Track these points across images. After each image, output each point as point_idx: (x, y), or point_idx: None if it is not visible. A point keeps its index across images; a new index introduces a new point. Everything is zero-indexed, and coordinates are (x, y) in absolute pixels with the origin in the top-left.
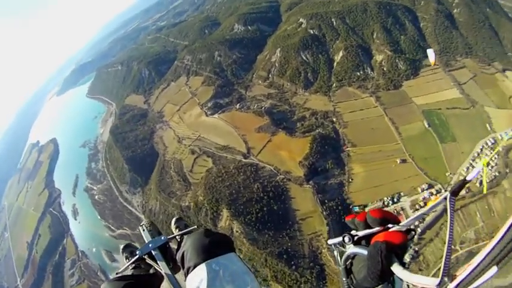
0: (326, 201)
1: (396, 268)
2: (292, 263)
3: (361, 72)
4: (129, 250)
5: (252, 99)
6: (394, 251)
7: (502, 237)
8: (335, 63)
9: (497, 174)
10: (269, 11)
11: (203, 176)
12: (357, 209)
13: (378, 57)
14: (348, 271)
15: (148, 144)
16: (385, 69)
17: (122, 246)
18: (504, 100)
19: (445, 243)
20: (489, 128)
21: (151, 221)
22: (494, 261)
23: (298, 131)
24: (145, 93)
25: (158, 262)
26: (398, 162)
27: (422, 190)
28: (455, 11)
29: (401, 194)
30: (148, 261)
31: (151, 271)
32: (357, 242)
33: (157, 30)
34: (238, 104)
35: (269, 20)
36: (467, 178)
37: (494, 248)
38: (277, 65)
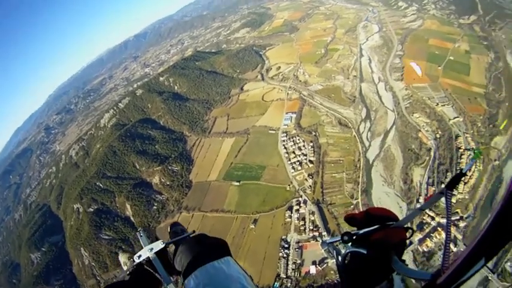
0: None
1: (396, 265)
2: None
3: None
4: (127, 256)
5: None
6: (394, 249)
7: (488, 229)
8: None
9: None
10: None
11: None
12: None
13: None
14: (347, 270)
15: None
16: None
17: (120, 253)
18: None
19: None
20: None
21: (147, 228)
22: (482, 254)
23: None
24: None
25: (156, 267)
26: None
27: None
28: None
29: None
30: (146, 266)
31: (149, 276)
32: (355, 241)
33: None
34: None
35: None
36: (463, 170)
37: (481, 240)
38: None
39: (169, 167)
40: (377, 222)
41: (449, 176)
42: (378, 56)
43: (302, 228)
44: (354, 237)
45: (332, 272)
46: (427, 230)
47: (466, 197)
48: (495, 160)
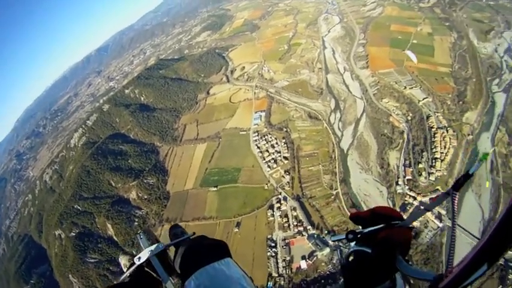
0: None
1: (400, 265)
2: None
3: None
4: (127, 258)
5: None
6: (398, 248)
7: (493, 236)
8: None
9: None
10: None
11: None
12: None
13: None
14: (351, 268)
15: None
16: None
17: (120, 255)
18: None
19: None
20: None
21: (148, 229)
22: (485, 259)
23: None
24: None
25: (156, 269)
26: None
27: None
28: None
29: None
30: (147, 269)
31: (149, 278)
32: (360, 239)
33: None
34: None
35: None
36: (470, 172)
37: (484, 246)
38: None
39: (145, 181)
40: (382, 222)
41: (425, 155)
42: (341, 47)
43: (286, 225)
44: (359, 236)
45: (323, 264)
46: (410, 210)
47: (445, 173)
48: (468, 135)
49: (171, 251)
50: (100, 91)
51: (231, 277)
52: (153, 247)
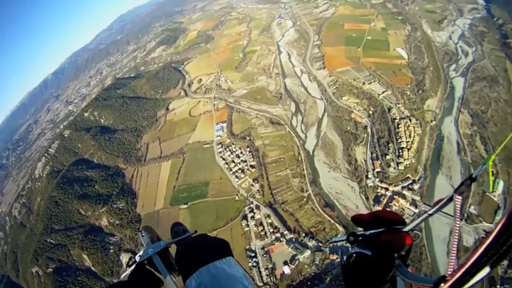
0: None
1: (399, 269)
2: None
3: None
4: (129, 255)
5: None
6: (398, 252)
7: (495, 237)
8: None
9: None
10: None
11: None
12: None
13: None
14: (351, 270)
15: None
16: None
17: (121, 252)
18: None
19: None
20: None
21: (150, 227)
22: (487, 262)
23: None
24: None
25: (158, 267)
26: None
27: None
28: None
29: None
30: (148, 266)
31: (150, 276)
32: (361, 242)
33: None
34: None
35: None
36: (473, 175)
37: (487, 249)
38: None
39: (114, 206)
40: (384, 225)
41: (392, 147)
42: (296, 50)
43: (262, 233)
44: (360, 238)
45: (306, 266)
46: (384, 201)
47: (413, 161)
48: (431, 121)
49: (173, 249)
50: (60, 116)
51: (233, 276)
52: (154, 245)
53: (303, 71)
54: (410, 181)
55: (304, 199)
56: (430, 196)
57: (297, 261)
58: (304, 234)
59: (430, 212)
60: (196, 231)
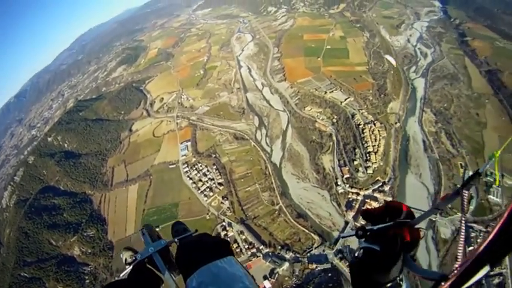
0: None
1: (407, 263)
2: None
3: None
4: (129, 254)
5: None
6: (406, 247)
7: (495, 236)
8: None
9: None
10: None
11: None
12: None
13: None
14: (359, 265)
15: None
16: None
17: (122, 250)
18: None
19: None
20: None
21: (150, 226)
22: (487, 260)
23: None
24: None
25: (158, 266)
26: None
27: None
28: None
29: None
30: (149, 265)
31: (150, 275)
32: (369, 236)
33: None
34: None
35: None
36: (480, 170)
37: (487, 247)
38: None
39: (85, 234)
40: (392, 219)
41: (358, 152)
42: (256, 63)
43: (238, 250)
44: (368, 233)
45: (286, 278)
46: (356, 206)
47: (381, 163)
48: (396, 123)
49: (173, 248)
50: (23, 141)
51: (233, 275)
52: (154, 244)
53: (264, 84)
54: (381, 183)
55: (276, 212)
56: (401, 196)
57: (277, 275)
58: (280, 247)
59: (437, 207)
60: (196, 230)
